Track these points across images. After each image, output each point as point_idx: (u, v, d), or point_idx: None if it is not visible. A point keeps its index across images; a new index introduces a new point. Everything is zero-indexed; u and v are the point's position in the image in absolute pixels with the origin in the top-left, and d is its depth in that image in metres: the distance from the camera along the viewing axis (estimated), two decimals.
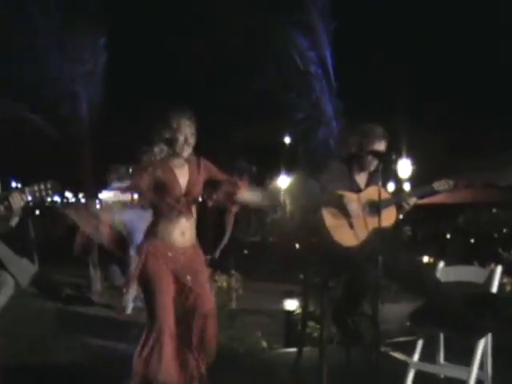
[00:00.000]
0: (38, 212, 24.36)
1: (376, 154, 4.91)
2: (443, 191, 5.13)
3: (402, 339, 6.72)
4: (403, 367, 5.01)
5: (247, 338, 6.63)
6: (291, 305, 7.16)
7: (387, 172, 5.01)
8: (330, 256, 4.92)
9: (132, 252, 9.79)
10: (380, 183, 4.67)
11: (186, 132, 4.28)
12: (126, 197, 4.40)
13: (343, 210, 4.87)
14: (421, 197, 5.23)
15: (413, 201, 5.09)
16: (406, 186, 20.34)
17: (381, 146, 5.01)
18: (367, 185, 5.13)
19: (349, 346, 5.50)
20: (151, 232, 4.40)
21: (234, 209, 4.62)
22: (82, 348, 6.30)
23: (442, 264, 5.16)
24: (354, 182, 5.10)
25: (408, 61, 20.73)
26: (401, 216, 5.14)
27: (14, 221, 3.92)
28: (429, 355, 5.00)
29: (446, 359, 5.06)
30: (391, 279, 5.15)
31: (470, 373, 4.52)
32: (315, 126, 15.67)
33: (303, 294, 5.61)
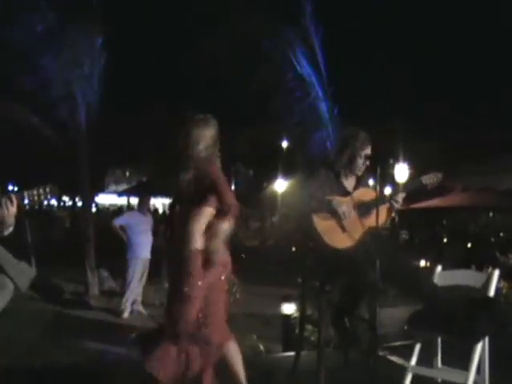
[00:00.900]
0: (35, 215, 24.28)
1: (372, 158, 4.95)
2: (432, 184, 5.12)
3: (399, 343, 6.72)
4: (401, 371, 5.01)
5: (245, 342, 6.61)
6: (289, 308, 7.16)
7: (385, 176, 5.02)
8: (324, 259, 4.94)
9: (129, 255, 9.84)
10: (378, 187, 4.70)
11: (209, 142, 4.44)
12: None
13: (334, 214, 4.89)
14: (410, 192, 5.25)
15: (401, 196, 5.08)
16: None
17: (369, 150, 5.06)
18: (355, 188, 5.16)
19: (346, 349, 5.52)
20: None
21: None
22: (80, 351, 6.31)
23: (439, 268, 5.17)
24: (342, 186, 5.13)
25: (407, 62, 20.77)
26: (393, 214, 5.14)
27: (7, 231, 3.89)
28: (426, 359, 5.01)
29: (443, 363, 5.07)
30: (388, 283, 5.16)
31: (467, 377, 4.52)
32: (311, 129, 15.67)
33: (301, 298, 5.62)
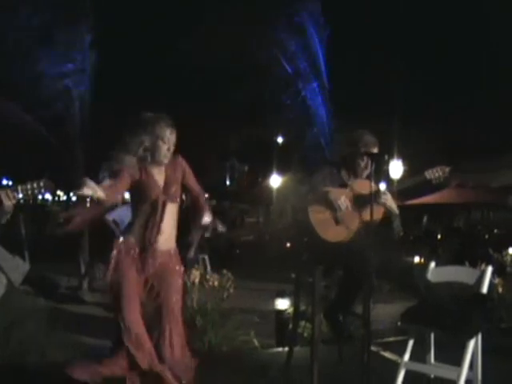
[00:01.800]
0: (30, 210, 24.26)
1: (369, 154, 4.95)
2: (437, 180, 5.08)
3: (392, 339, 6.74)
4: (394, 367, 5.03)
5: (239, 338, 6.63)
6: (283, 304, 7.17)
7: (379, 173, 5.02)
8: (319, 253, 4.95)
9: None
10: (372, 184, 4.69)
11: (170, 141, 4.31)
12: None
13: (330, 206, 4.90)
14: (412, 187, 5.24)
15: (384, 198, 5.05)
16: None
17: (374, 150, 5.06)
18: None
19: (340, 345, 5.53)
20: (128, 231, 4.41)
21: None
22: (74, 346, 6.29)
23: (433, 264, 5.18)
24: (343, 181, 5.14)
25: (405, 58, 20.75)
26: (394, 211, 5.12)
27: (4, 218, 3.91)
28: (419, 355, 5.02)
29: (436, 359, 5.08)
30: (382, 279, 5.18)
31: (459, 373, 4.54)
32: (306, 126, 15.70)
33: (295, 294, 5.63)
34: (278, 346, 6.87)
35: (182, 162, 4.47)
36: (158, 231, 4.30)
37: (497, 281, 7.39)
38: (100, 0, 12.33)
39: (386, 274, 4.89)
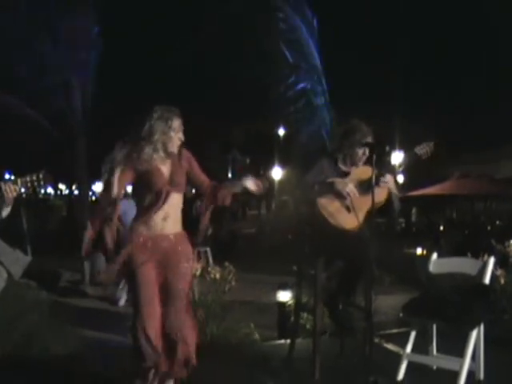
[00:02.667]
0: (32, 204, 24.29)
1: (370, 145, 4.98)
2: (426, 154, 5.14)
3: (394, 331, 6.74)
4: (396, 358, 5.03)
5: (240, 330, 6.62)
6: (284, 296, 7.16)
7: (381, 164, 5.03)
8: (322, 244, 4.96)
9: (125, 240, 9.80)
10: (374, 174, 4.70)
11: (180, 132, 4.34)
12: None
13: (339, 196, 4.92)
14: (406, 164, 5.26)
15: (388, 177, 5.07)
16: (400, 178, 20.38)
17: (369, 139, 5.10)
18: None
19: (342, 337, 5.53)
20: (135, 221, 4.43)
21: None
22: (76, 339, 6.29)
23: (435, 256, 5.18)
24: (342, 173, 5.16)
25: (405, 49, 20.72)
26: (395, 190, 5.16)
27: (6, 211, 3.91)
28: (421, 346, 5.02)
29: (438, 350, 5.08)
30: (384, 271, 5.19)
31: (461, 364, 4.54)
32: (307, 117, 15.68)
33: (296, 286, 5.62)
34: (280, 338, 6.86)
35: (188, 154, 4.50)
36: (164, 217, 4.32)
37: (499, 272, 7.37)
38: None
39: (387, 266, 4.90)
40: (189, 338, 4.34)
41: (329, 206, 4.96)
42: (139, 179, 4.33)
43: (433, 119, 22.38)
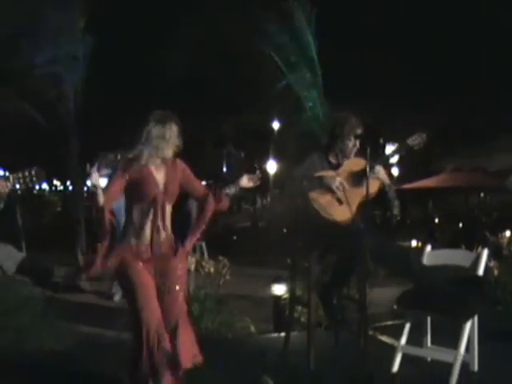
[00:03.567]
0: (27, 200, 24.23)
1: (360, 136, 5.02)
2: (418, 145, 5.15)
3: (389, 323, 6.76)
4: (390, 351, 5.04)
5: (235, 323, 6.63)
6: (279, 290, 7.18)
7: (375, 157, 5.04)
8: (320, 236, 4.96)
9: (118, 238, 9.79)
10: (368, 168, 4.71)
11: (177, 137, 4.31)
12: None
13: (328, 189, 4.94)
14: (397, 155, 5.29)
15: (378, 169, 5.08)
16: (394, 171, 20.43)
17: (359, 131, 5.12)
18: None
19: (336, 330, 5.54)
20: (126, 231, 4.40)
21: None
22: (72, 334, 6.30)
23: (429, 248, 5.19)
24: (333, 166, 5.18)
25: (398, 45, 20.70)
26: (387, 180, 5.17)
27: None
28: (416, 339, 5.04)
29: (432, 342, 5.10)
30: (379, 264, 5.20)
31: (456, 356, 4.55)
32: (301, 111, 15.70)
33: (290, 279, 5.63)
34: (275, 331, 6.88)
35: (182, 164, 4.46)
36: (156, 226, 4.29)
37: (493, 264, 7.41)
38: None
39: (380, 259, 4.90)
40: (188, 336, 4.33)
41: (320, 199, 4.98)
42: (132, 185, 4.29)
43: (427, 113, 22.36)
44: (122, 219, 4.72)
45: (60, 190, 42.77)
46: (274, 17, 15.02)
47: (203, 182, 5.17)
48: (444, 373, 4.59)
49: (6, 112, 11.76)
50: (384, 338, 6.06)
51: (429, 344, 5.10)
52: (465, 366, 4.65)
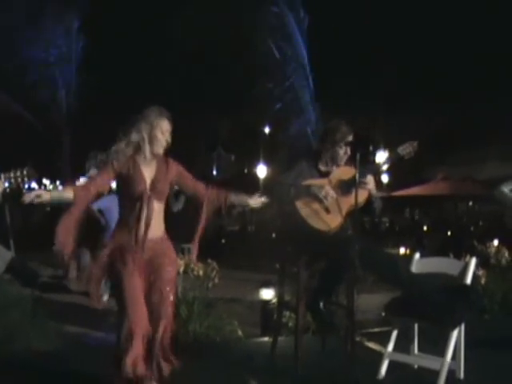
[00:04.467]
0: (16, 199, 24.09)
1: (351, 144, 5.03)
2: (409, 154, 5.17)
3: (376, 329, 6.78)
4: (378, 357, 5.06)
5: (224, 327, 6.62)
6: (267, 294, 7.20)
7: (365, 163, 5.05)
8: (307, 244, 4.97)
9: (107, 239, 9.75)
10: (357, 174, 4.72)
11: (167, 132, 4.32)
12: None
13: (315, 198, 4.94)
14: (388, 164, 5.30)
15: (369, 179, 5.10)
16: (384, 178, 20.50)
17: (350, 137, 5.14)
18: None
19: (324, 335, 5.56)
20: (117, 228, 4.41)
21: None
22: (59, 335, 6.28)
23: (417, 255, 5.22)
24: (322, 174, 5.19)
25: (391, 49, 20.77)
26: (374, 191, 5.18)
27: None
28: (403, 345, 5.06)
29: (419, 350, 5.12)
30: (367, 270, 5.22)
31: (442, 363, 4.58)
32: (292, 115, 15.75)
33: (279, 284, 5.64)
34: (263, 335, 6.88)
35: (175, 164, 4.45)
36: (146, 224, 4.28)
37: (481, 272, 7.44)
38: None
39: (369, 265, 4.92)
40: (168, 340, 4.32)
41: (307, 207, 4.97)
42: (121, 181, 4.29)
43: (418, 118, 22.46)
44: (113, 218, 4.72)
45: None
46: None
47: None
48: (430, 380, 4.62)
49: None
50: (371, 345, 6.07)
51: (416, 351, 5.13)
52: (451, 373, 4.68)
